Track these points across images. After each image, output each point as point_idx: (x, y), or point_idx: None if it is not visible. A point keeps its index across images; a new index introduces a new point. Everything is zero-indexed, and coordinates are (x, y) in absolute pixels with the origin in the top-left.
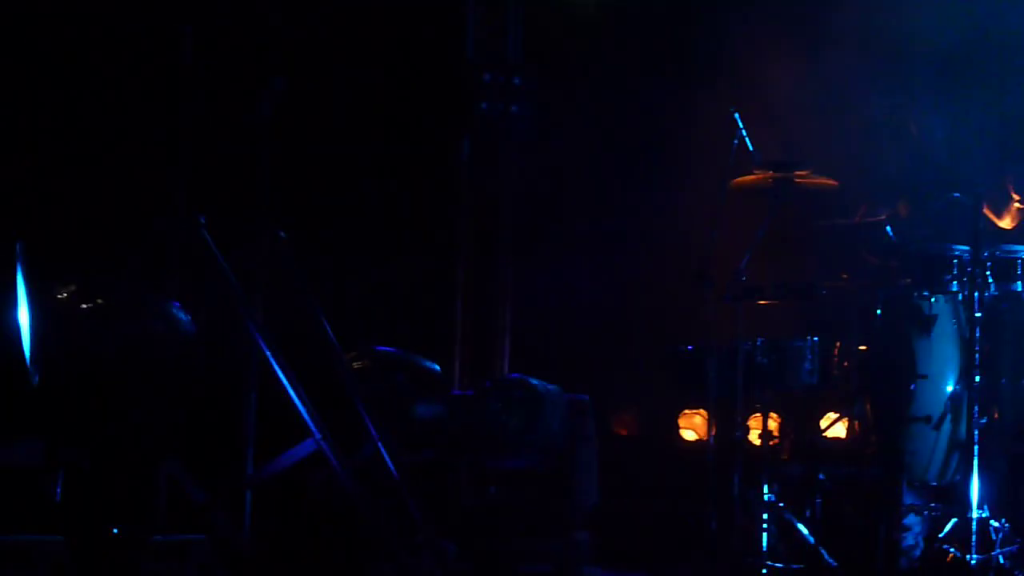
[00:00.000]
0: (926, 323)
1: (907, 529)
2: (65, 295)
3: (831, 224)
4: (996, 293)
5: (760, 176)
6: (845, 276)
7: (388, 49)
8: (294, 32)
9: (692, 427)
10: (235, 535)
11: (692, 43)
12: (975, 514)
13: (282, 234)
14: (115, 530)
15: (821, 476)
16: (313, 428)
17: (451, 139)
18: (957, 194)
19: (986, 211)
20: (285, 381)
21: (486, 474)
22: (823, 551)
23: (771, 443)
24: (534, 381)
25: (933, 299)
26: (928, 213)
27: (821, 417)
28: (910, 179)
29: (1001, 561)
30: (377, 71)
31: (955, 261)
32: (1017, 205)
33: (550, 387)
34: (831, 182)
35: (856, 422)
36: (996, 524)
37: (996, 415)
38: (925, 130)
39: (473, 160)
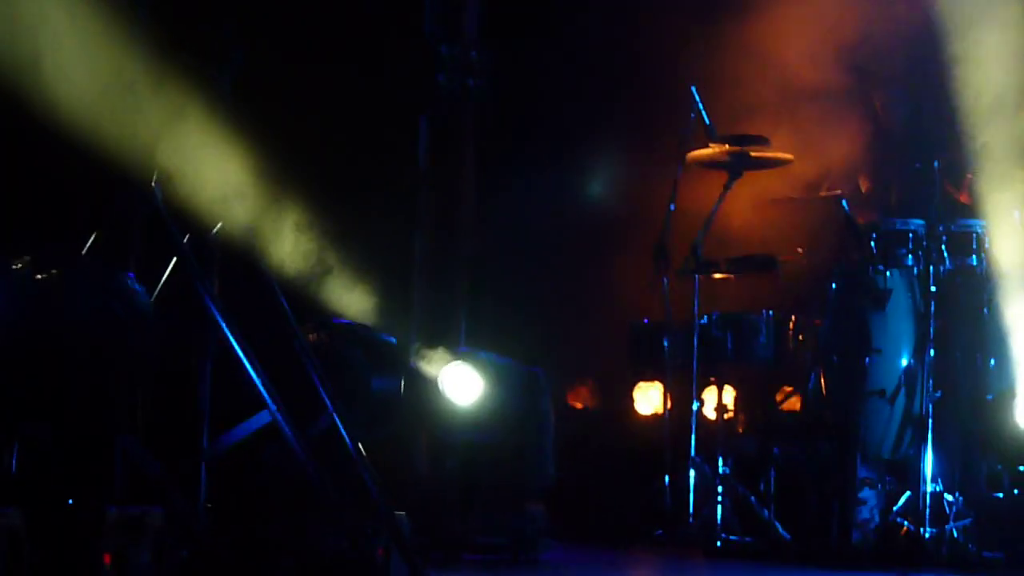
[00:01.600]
0: (881, 297)
1: (862, 503)
2: (19, 266)
3: (787, 199)
4: (951, 267)
5: (717, 150)
6: (800, 251)
7: (346, 21)
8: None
9: (648, 401)
10: (190, 507)
11: (649, 15)
12: (928, 488)
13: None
14: (70, 501)
15: (776, 450)
16: (268, 400)
17: (409, 112)
18: (919, 164)
19: (946, 185)
20: (240, 353)
21: (443, 448)
22: (777, 524)
23: (726, 417)
24: (484, 355)
25: (888, 273)
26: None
27: (776, 391)
28: (871, 154)
29: (955, 535)
30: (335, 43)
31: (910, 235)
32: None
33: (502, 360)
34: (787, 156)
35: (810, 396)
36: (950, 498)
37: (949, 390)
38: (887, 104)
39: (431, 134)
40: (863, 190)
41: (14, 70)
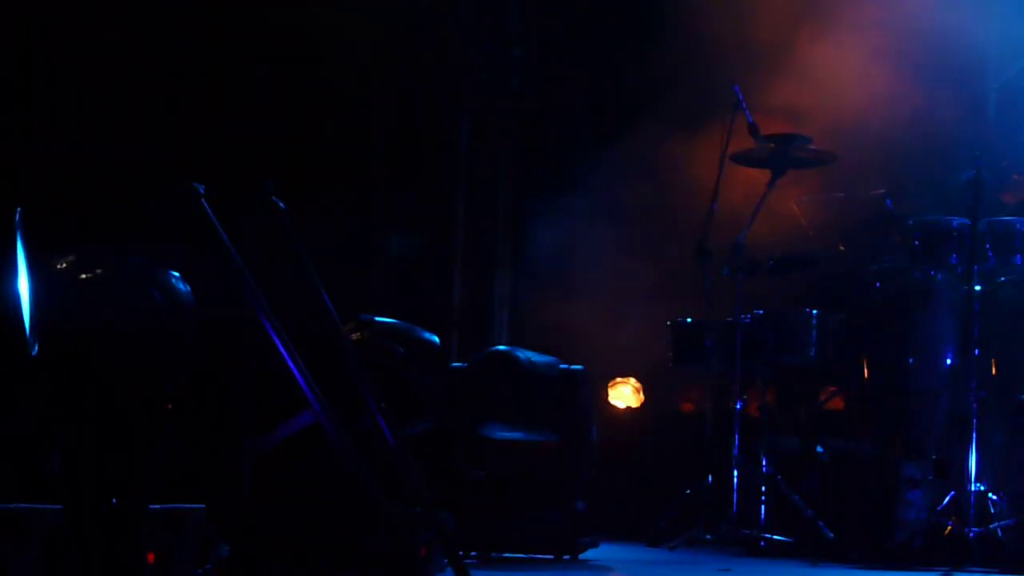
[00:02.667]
0: (925, 296)
1: (906, 503)
2: (64, 265)
3: (830, 197)
4: (995, 266)
5: (760, 148)
6: (843, 249)
7: (387, 21)
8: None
9: (691, 399)
10: (233, 505)
11: (694, 14)
12: (973, 487)
13: (282, 204)
14: (113, 500)
15: (819, 449)
16: (312, 399)
17: (450, 111)
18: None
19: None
20: (284, 352)
21: (484, 446)
22: (821, 524)
23: (769, 416)
24: (521, 353)
25: (932, 272)
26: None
27: (819, 390)
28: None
29: (999, 534)
30: (377, 42)
31: (954, 234)
32: (1016, 177)
33: (542, 358)
34: (831, 154)
35: (854, 395)
36: (994, 497)
37: (995, 388)
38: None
39: (472, 132)
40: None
41: None
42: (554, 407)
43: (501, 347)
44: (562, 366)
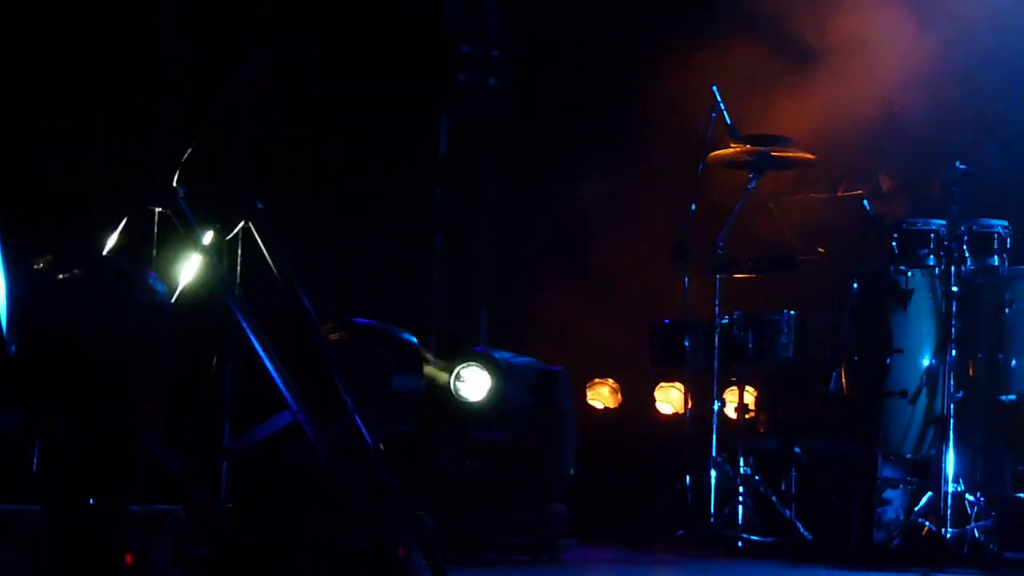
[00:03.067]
0: (903, 297)
1: (884, 503)
2: (42, 265)
3: (808, 198)
4: (973, 267)
5: (738, 150)
6: (822, 250)
7: (366, 20)
8: (272, 4)
9: (669, 400)
10: (212, 506)
11: (672, 15)
12: (950, 488)
13: (260, 205)
14: (91, 500)
15: (797, 450)
16: (290, 399)
17: (430, 110)
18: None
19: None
20: (262, 352)
21: (463, 447)
22: (799, 524)
23: (747, 417)
24: (498, 354)
25: (910, 273)
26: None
27: (797, 391)
28: (892, 153)
29: (976, 535)
30: (355, 41)
31: (932, 235)
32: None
33: (519, 359)
34: (809, 156)
35: (832, 396)
36: (971, 498)
37: (971, 389)
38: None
39: (451, 132)
40: (884, 189)
41: None
42: (532, 408)
43: (478, 348)
44: (540, 367)
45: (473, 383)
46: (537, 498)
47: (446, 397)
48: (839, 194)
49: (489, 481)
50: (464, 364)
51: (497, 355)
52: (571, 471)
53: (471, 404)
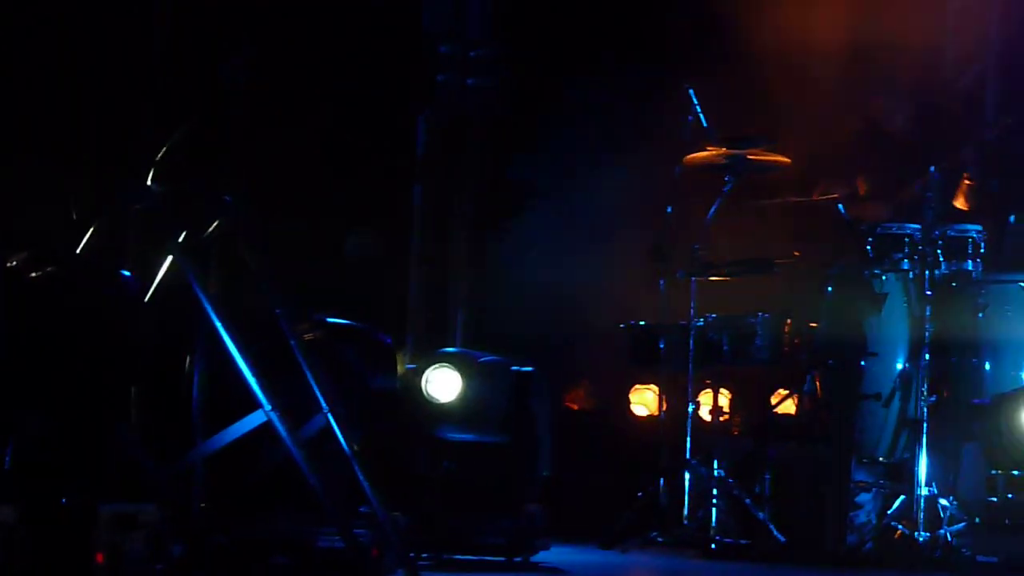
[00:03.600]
0: (877, 301)
1: (857, 506)
2: (15, 262)
3: (784, 201)
4: (947, 272)
5: (714, 152)
6: (797, 253)
7: (346, 20)
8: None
9: (644, 402)
10: (185, 505)
11: (650, 18)
12: (923, 492)
13: (235, 203)
14: (63, 499)
15: (771, 452)
16: (263, 399)
17: (409, 110)
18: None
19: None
20: (235, 351)
21: (440, 447)
22: (772, 527)
23: (722, 419)
24: (476, 353)
25: (884, 277)
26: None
27: (772, 393)
28: (869, 156)
29: (949, 539)
30: (335, 41)
31: (906, 239)
32: (967, 182)
33: (493, 359)
34: (785, 159)
35: (806, 399)
36: (944, 502)
37: (945, 393)
38: (885, 108)
39: (430, 132)
40: (861, 192)
41: None
42: (506, 409)
43: (451, 348)
44: (514, 368)
45: (442, 384)
46: (513, 499)
47: (417, 397)
48: (815, 198)
49: (465, 482)
50: (435, 365)
51: (469, 355)
52: (546, 472)
53: (441, 405)
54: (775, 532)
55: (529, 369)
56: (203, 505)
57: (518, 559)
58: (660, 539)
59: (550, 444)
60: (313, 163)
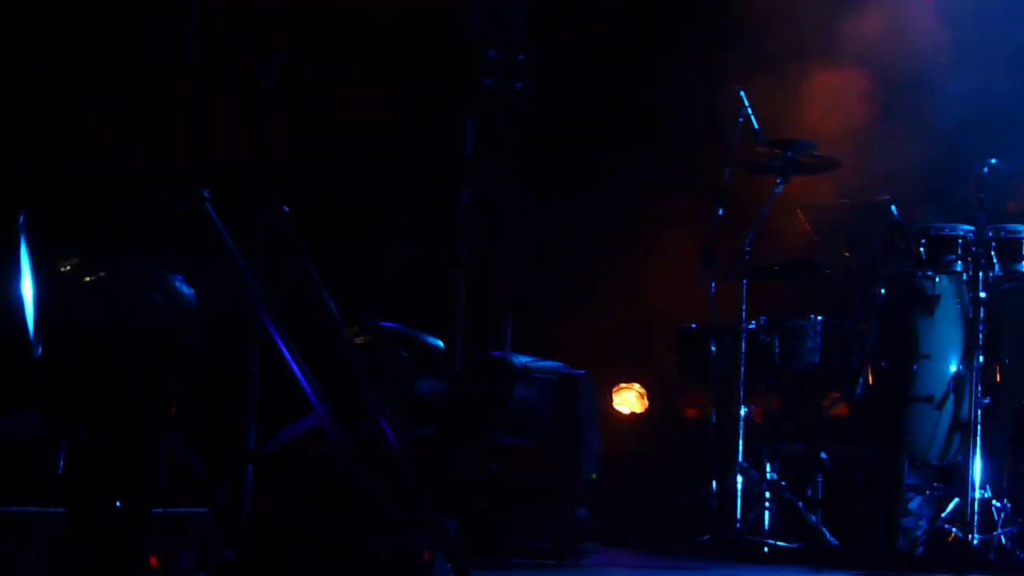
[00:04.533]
0: (929, 303)
1: (912, 514)
2: (68, 268)
3: (835, 203)
4: (1000, 273)
5: (765, 154)
6: (848, 255)
7: (392, 23)
8: (297, 5)
9: (695, 405)
10: (236, 508)
11: (699, 16)
12: (977, 494)
13: (285, 208)
14: (116, 503)
15: (823, 455)
16: (315, 402)
17: (455, 114)
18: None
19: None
20: (287, 355)
21: (488, 450)
22: (824, 530)
23: (773, 422)
24: (517, 358)
25: (937, 279)
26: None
27: (823, 396)
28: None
29: (1003, 541)
30: (381, 45)
31: (959, 241)
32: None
33: (541, 363)
34: (836, 160)
35: (858, 401)
36: (997, 504)
37: (998, 395)
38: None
39: (477, 136)
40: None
41: None
42: (554, 412)
43: (497, 352)
44: (561, 371)
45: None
46: (561, 502)
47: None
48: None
49: (512, 485)
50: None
51: (516, 358)
52: (593, 476)
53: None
54: (828, 535)
55: (578, 373)
56: (254, 509)
57: (568, 562)
58: (711, 543)
59: (597, 447)
60: (360, 166)
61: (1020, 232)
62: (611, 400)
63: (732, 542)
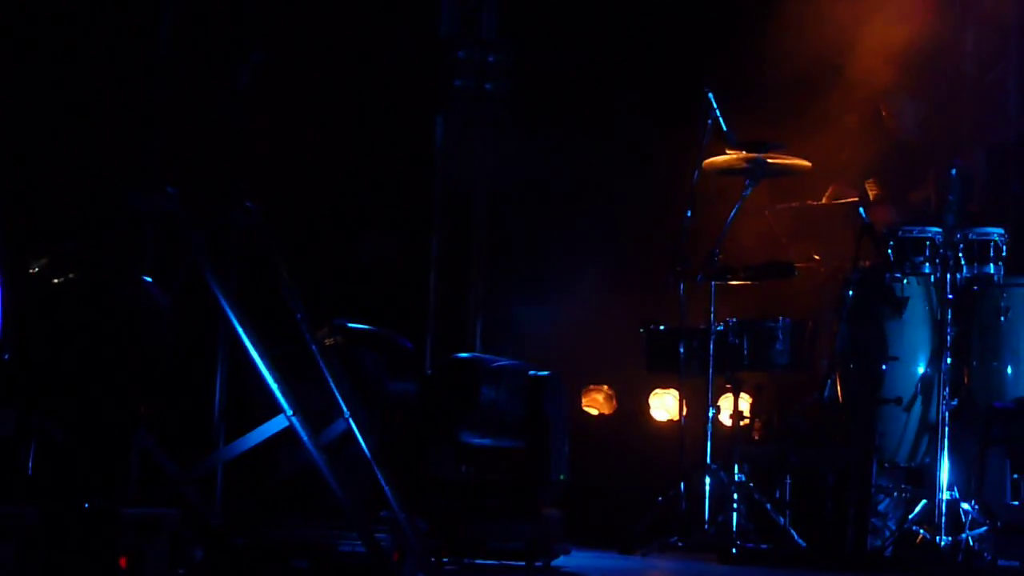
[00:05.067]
0: (898, 304)
1: (880, 516)
2: (37, 268)
3: (803, 205)
4: (968, 275)
5: (734, 156)
6: (817, 257)
7: (363, 24)
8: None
9: (663, 407)
10: (206, 509)
11: (666, 21)
12: (945, 496)
13: (254, 207)
14: (87, 503)
15: (792, 457)
16: (284, 404)
17: (425, 115)
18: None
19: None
20: (255, 355)
21: (459, 451)
22: (793, 532)
23: (742, 423)
24: (486, 359)
25: (905, 280)
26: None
27: (792, 398)
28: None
29: (970, 543)
30: (351, 46)
31: (928, 242)
32: None
33: (509, 363)
34: (805, 163)
35: (827, 403)
36: (965, 506)
37: (966, 397)
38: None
39: (447, 136)
40: (871, 197)
41: None
42: (523, 413)
43: (465, 353)
44: (531, 372)
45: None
46: (531, 504)
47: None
48: (825, 201)
49: (483, 486)
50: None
51: (485, 359)
52: (562, 477)
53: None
54: (796, 537)
55: (545, 373)
56: (224, 509)
57: (538, 564)
58: (680, 544)
59: (567, 448)
60: (330, 167)
61: (989, 234)
62: (580, 401)
63: (701, 543)
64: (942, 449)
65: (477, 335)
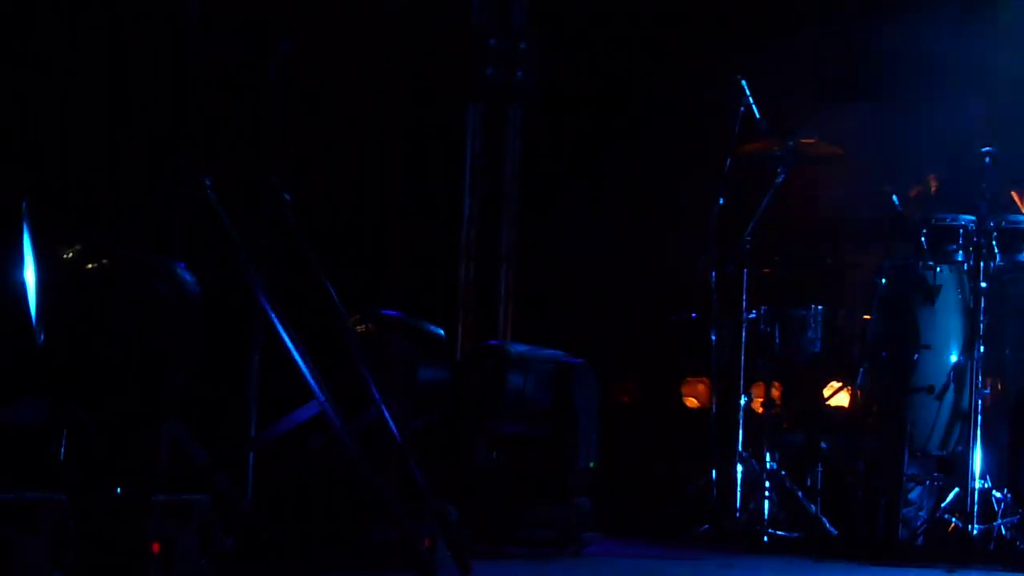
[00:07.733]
0: (930, 293)
1: (912, 504)
2: (70, 255)
3: (836, 193)
4: (1001, 263)
5: (766, 143)
6: (849, 245)
7: (395, 13)
8: None
9: (695, 395)
10: (237, 496)
11: (702, 6)
12: (977, 484)
13: (287, 196)
14: (118, 489)
15: (823, 445)
16: (316, 391)
17: (457, 103)
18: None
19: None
20: (289, 343)
21: (489, 439)
22: (824, 520)
23: (773, 412)
24: (513, 347)
25: (938, 269)
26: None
27: (824, 386)
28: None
29: (1003, 531)
30: (383, 35)
31: (961, 231)
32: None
33: (538, 352)
34: (838, 150)
35: (859, 391)
36: (998, 495)
37: (999, 386)
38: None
39: (478, 125)
40: (932, 191)
41: None
42: (551, 401)
43: (494, 341)
44: (561, 359)
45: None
46: (561, 491)
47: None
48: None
49: (514, 473)
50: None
51: (512, 347)
52: (592, 464)
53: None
54: (827, 525)
55: (576, 361)
56: (256, 496)
57: (568, 550)
58: (711, 532)
59: (596, 436)
60: (362, 155)
61: (1022, 222)
62: (611, 389)
63: (732, 531)
64: (974, 438)
65: (507, 323)
